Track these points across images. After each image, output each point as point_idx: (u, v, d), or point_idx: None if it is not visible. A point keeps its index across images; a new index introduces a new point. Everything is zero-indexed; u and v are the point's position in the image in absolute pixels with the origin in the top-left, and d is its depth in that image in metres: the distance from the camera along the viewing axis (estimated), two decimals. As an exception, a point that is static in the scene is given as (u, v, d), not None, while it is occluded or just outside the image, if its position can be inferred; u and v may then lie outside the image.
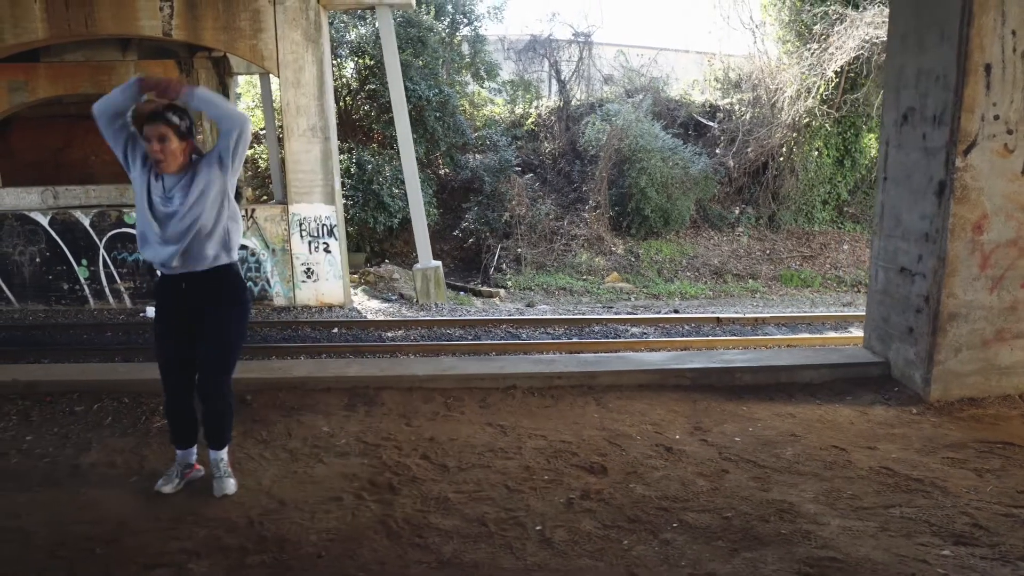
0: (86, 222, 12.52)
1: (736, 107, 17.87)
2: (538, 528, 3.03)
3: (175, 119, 3.12)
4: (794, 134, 16.66)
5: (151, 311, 12.38)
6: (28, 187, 15.82)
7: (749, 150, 17.04)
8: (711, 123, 18.39)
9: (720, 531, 2.97)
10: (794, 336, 9.86)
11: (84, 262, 12.60)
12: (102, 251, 12.56)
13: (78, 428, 4.17)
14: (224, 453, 3.43)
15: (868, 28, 14.49)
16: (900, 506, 3.13)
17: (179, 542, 2.95)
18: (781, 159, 16.97)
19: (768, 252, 16.58)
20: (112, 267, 12.62)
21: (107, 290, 12.70)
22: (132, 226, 12.47)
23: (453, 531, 3.02)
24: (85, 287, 12.69)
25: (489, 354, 9.12)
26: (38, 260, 12.62)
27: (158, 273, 3.35)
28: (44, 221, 12.54)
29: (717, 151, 17.69)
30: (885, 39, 5.85)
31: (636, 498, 3.28)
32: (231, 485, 3.39)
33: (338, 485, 3.46)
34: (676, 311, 12.60)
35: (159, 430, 4.13)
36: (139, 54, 15.91)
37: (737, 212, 17.51)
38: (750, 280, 15.62)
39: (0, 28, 11.93)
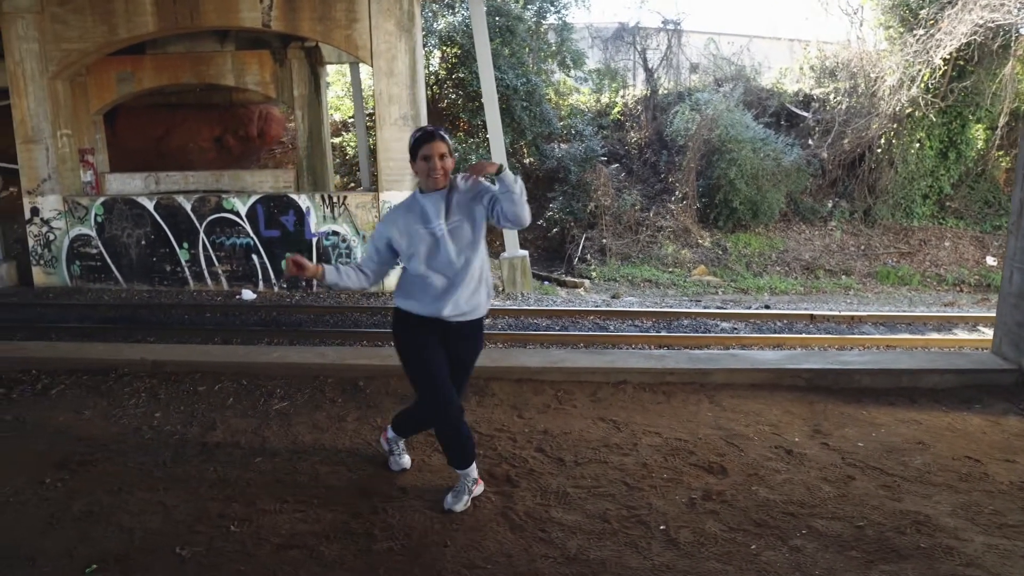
0: (188, 207, 13.03)
1: (832, 96, 17.19)
2: (662, 527, 2.99)
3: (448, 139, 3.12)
4: (894, 125, 15.92)
5: (247, 294, 12.83)
6: (132, 173, 16.63)
7: (845, 141, 16.38)
8: (805, 113, 17.77)
9: (853, 541, 2.86)
10: (893, 336, 9.47)
11: (185, 245, 13.13)
12: (202, 235, 13.06)
13: (202, 407, 4.33)
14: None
15: (983, 11, 13.65)
16: (1050, 525, 2.95)
17: (308, 525, 3.03)
18: (879, 151, 16.25)
19: (863, 248, 15.94)
20: (211, 250, 13.11)
21: (205, 272, 13.20)
22: (230, 211, 12.93)
23: (576, 527, 3.01)
24: (186, 269, 13.23)
25: (587, 346, 9.08)
26: (143, 243, 13.21)
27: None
28: (150, 205, 13.12)
29: (810, 142, 17.09)
30: (1003, 22, 5.49)
31: (760, 501, 3.19)
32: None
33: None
34: (767, 307, 12.27)
35: (278, 412, 4.26)
36: (236, 45, 16.43)
37: (830, 205, 16.89)
38: (843, 276, 15.06)
39: (115, 22, 12.51)
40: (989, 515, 3.06)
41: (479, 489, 3.29)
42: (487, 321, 10.69)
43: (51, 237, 13.29)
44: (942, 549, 2.79)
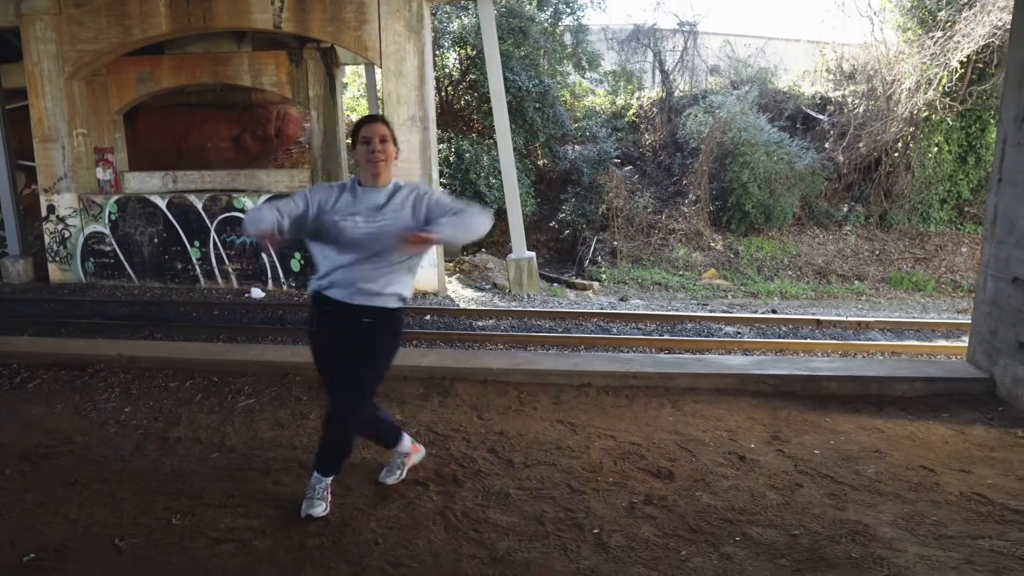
0: (199, 205, 13.24)
1: (849, 100, 16.98)
2: (595, 531, 2.99)
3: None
4: (911, 128, 15.68)
5: (255, 292, 12.99)
6: (151, 171, 16.89)
7: (861, 145, 16.17)
8: (821, 116, 17.57)
9: (785, 549, 2.84)
10: (899, 343, 9.33)
11: (196, 243, 13.34)
12: (213, 233, 13.26)
13: (170, 403, 4.41)
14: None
15: (1001, 13, 13.41)
16: (990, 538, 2.91)
17: (247, 520, 3.08)
18: (896, 155, 16.02)
19: (877, 253, 15.72)
20: (221, 249, 13.30)
21: (216, 271, 13.40)
22: (241, 210, 13.10)
23: (510, 528, 3.02)
24: (196, 267, 13.44)
25: (576, 348, 9.08)
26: (156, 241, 13.44)
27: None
28: (162, 204, 13.34)
29: (826, 145, 16.90)
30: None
31: (701, 507, 3.18)
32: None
33: (405, 474, 3.51)
34: (774, 311, 12.15)
35: (243, 409, 4.32)
36: (253, 46, 16.61)
37: (845, 210, 16.68)
38: (856, 282, 14.87)
39: (130, 24, 12.75)
40: (930, 526, 3.02)
41: (417, 456, 3.51)
42: (489, 322, 10.81)
43: (66, 234, 13.57)
44: (873, 559, 2.76)
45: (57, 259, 13.72)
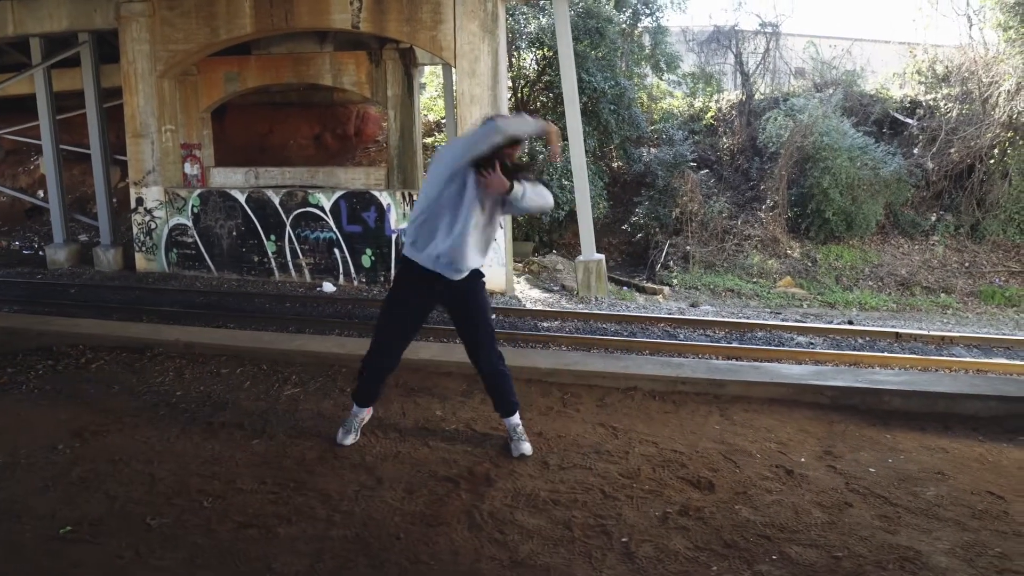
0: (276, 200, 13.62)
1: (941, 103, 16.12)
2: (624, 540, 2.87)
3: None
4: (1009, 133, 14.76)
5: (327, 286, 13.28)
6: (235, 167, 17.55)
7: (952, 151, 15.32)
8: (909, 120, 16.74)
9: (824, 571, 2.66)
10: (986, 360, 8.77)
11: (272, 237, 13.73)
12: (288, 228, 13.62)
13: (220, 388, 4.51)
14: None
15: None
16: (1059, 573, 2.65)
17: (275, 506, 3.10)
18: (992, 161, 15.10)
19: (967, 265, 14.86)
20: (296, 243, 13.64)
21: (290, 264, 13.76)
22: (315, 206, 13.42)
23: (536, 531, 2.93)
24: (272, 260, 13.83)
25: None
26: (235, 234, 13.91)
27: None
28: (242, 198, 13.80)
29: (914, 151, 16.08)
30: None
31: (738, 521, 3.02)
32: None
33: (437, 470, 3.48)
34: (850, 322, 11.63)
35: (288, 398, 4.38)
36: (334, 47, 17.04)
37: (933, 219, 15.83)
38: (942, 294, 14.09)
39: (217, 25, 13.25)
40: (992, 557, 2.77)
41: (366, 419, 3.86)
42: (555, 323, 10.72)
43: (152, 226, 14.20)
44: (922, 589, 2.56)
45: (144, 249, 14.37)
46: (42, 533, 2.90)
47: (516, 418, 3.68)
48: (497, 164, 3.26)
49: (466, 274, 3.51)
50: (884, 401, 4.12)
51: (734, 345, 9.47)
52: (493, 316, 11.08)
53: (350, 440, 3.74)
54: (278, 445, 3.75)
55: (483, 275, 3.63)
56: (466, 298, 3.58)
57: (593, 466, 3.53)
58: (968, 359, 8.82)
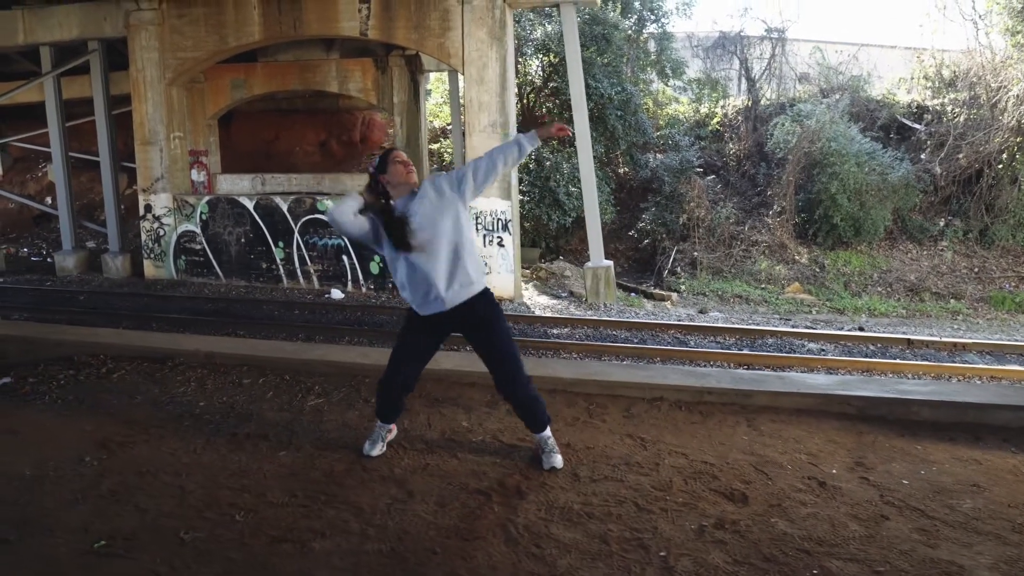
0: (284, 207, 13.62)
1: (948, 108, 16.11)
2: (662, 554, 2.85)
3: None
4: (1018, 138, 14.74)
5: (335, 293, 13.27)
6: (241, 174, 17.52)
7: (960, 156, 15.31)
8: (917, 125, 16.74)
9: (868, 586, 2.64)
10: (1000, 367, 8.74)
11: (280, 244, 13.73)
12: (296, 235, 13.62)
13: (243, 399, 4.49)
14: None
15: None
16: (1104, 587, 2.62)
17: (308, 520, 3.07)
18: (1000, 166, 15.09)
19: (976, 270, 14.83)
20: (304, 250, 13.64)
21: (298, 271, 13.75)
22: (323, 212, 13.40)
23: (573, 545, 2.91)
24: (280, 267, 13.83)
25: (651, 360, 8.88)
26: (243, 240, 13.91)
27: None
28: (250, 205, 13.80)
29: (922, 156, 16.07)
30: None
31: (776, 535, 2.99)
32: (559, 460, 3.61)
33: (468, 483, 3.46)
34: (861, 328, 11.61)
35: (312, 409, 4.36)
36: (340, 54, 17.05)
37: (942, 224, 15.81)
38: (952, 300, 14.06)
39: (225, 32, 13.27)
40: (1035, 571, 2.75)
41: (392, 435, 3.87)
42: (564, 331, 10.70)
43: (161, 232, 14.20)
44: (967, 604, 2.53)
45: (152, 256, 14.36)
46: (76, 547, 2.88)
47: (547, 431, 3.66)
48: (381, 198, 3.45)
49: (468, 297, 3.47)
50: (912, 411, 4.09)
51: (745, 352, 9.45)
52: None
53: (377, 451, 3.73)
54: (305, 457, 3.73)
55: (490, 293, 3.58)
56: (482, 327, 3.54)
57: (624, 478, 3.50)
58: (981, 365, 8.81)
